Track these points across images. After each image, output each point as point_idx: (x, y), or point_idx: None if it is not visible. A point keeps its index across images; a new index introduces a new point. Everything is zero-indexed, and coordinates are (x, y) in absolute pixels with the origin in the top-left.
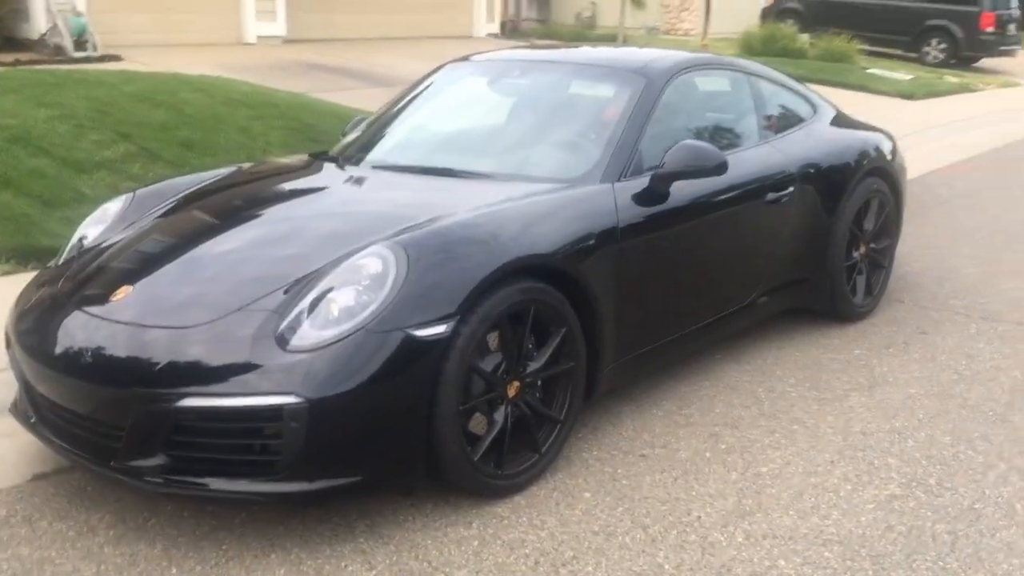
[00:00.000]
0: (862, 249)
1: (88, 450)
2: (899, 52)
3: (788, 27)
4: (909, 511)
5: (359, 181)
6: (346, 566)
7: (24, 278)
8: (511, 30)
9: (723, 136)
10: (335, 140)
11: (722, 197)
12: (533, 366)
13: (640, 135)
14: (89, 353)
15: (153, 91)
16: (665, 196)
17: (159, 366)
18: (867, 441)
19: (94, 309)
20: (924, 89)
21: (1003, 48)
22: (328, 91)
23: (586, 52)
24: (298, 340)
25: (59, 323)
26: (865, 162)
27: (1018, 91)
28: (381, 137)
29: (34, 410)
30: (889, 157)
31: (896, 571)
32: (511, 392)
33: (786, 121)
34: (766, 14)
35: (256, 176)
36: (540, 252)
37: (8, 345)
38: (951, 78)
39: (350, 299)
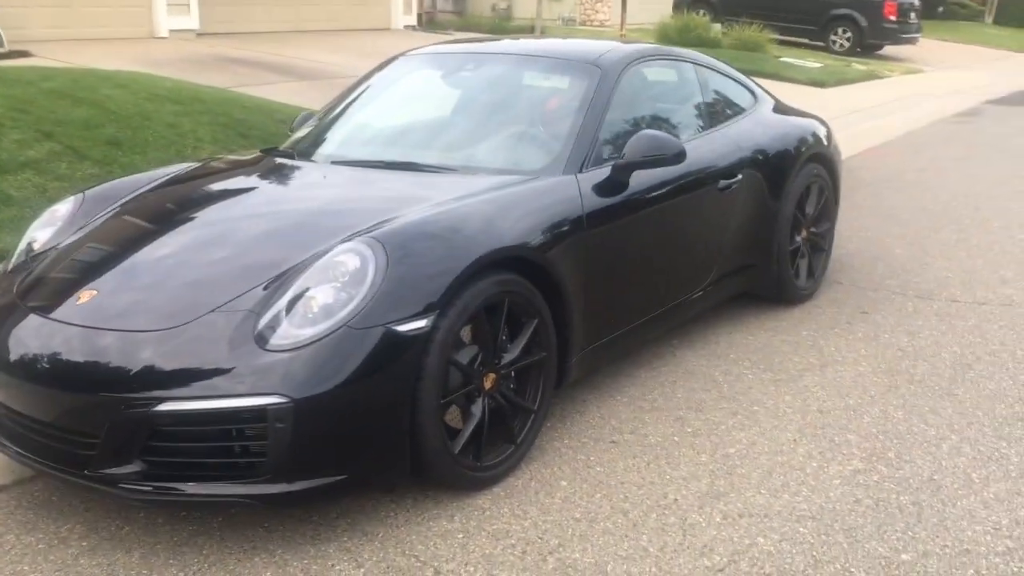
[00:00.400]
0: (804, 233)
1: (57, 459)
2: (807, 41)
3: (700, 17)
4: (873, 484)
5: (320, 176)
6: (333, 565)
7: None
8: (427, 22)
9: (676, 125)
10: (267, 135)
11: (678, 184)
12: (508, 357)
13: (599, 126)
14: (57, 359)
15: (72, 88)
16: (626, 185)
17: (135, 370)
18: (825, 419)
19: (59, 313)
20: (834, 77)
21: (905, 36)
22: (251, 86)
23: (538, 44)
24: (278, 339)
25: (21, 329)
26: (805, 148)
27: (922, 77)
28: (335, 132)
29: None
30: (826, 143)
31: (869, 543)
32: (487, 384)
33: (732, 109)
34: (678, 4)
35: (211, 173)
36: (513, 243)
37: None
38: (858, 66)
39: (329, 296)
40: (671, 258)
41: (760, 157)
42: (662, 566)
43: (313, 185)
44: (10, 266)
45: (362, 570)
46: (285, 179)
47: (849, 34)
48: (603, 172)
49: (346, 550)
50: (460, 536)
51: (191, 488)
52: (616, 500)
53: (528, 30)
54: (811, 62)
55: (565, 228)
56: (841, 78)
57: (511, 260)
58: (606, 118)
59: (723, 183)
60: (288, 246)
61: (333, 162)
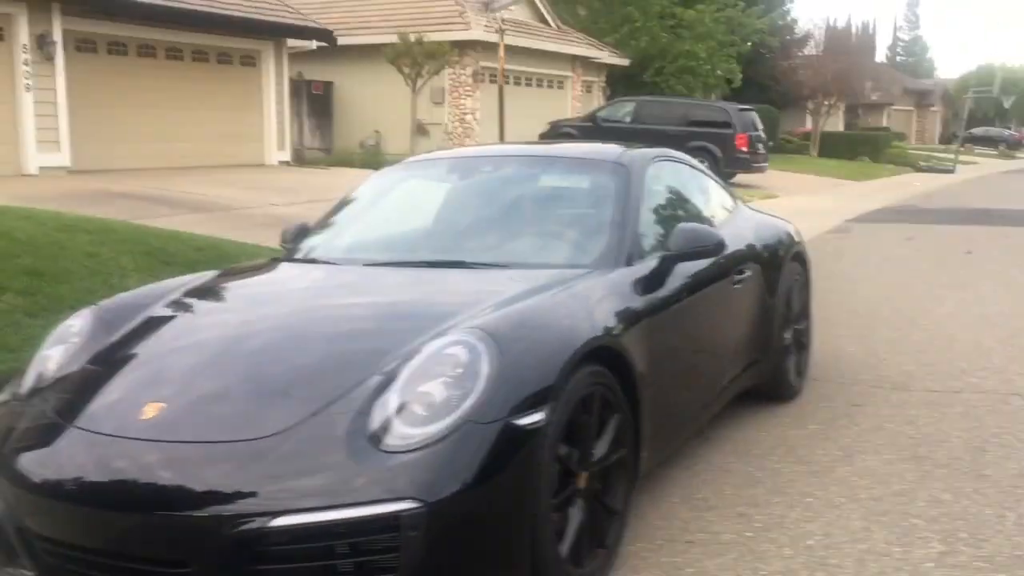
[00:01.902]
0: (790, 331)
1: None
2: None
3: None
4: (966, 565)
5: (363, 276)
6: None
7: None
8: (295, 159)
9: (694, 220)
10: (190, 262)
11: (706, 276)
12: (597, 455)
13: (636, 220)
14: (131, 480)
15: None
16: (670, 277)
17: (238, 484)
18: (882, 506)
19: (123, 430)
20: None
21: (755, 165)
22: (147, 218)
23: (555, 148)
24: (394, 440)
25: (79, 452)
26: (789, 245)
27: (780, 201)
28: (354, 236)
29: (31, 559)
30: (799, 242)
31: None
32: (580, 483)
33: (726, 208)
34: (544, 137)
35: (239, 277)
36: (602, 335)
37: None
38: None
39: (442, 392)
40: (710, 347)
41: (757, 254)
42: None
43: (363, 285)
44: (24, 389)
45: None
46: (327, 281)
47: (706, 163)
48: (649, 264)
49: None
50: None
51: None
52: None
53: None
54: None
55: (631, 319)
56: None
57: (598, 352)
58: (640, 213)
59: (735, 277)
60: (374, 343)
61: (365, 264)
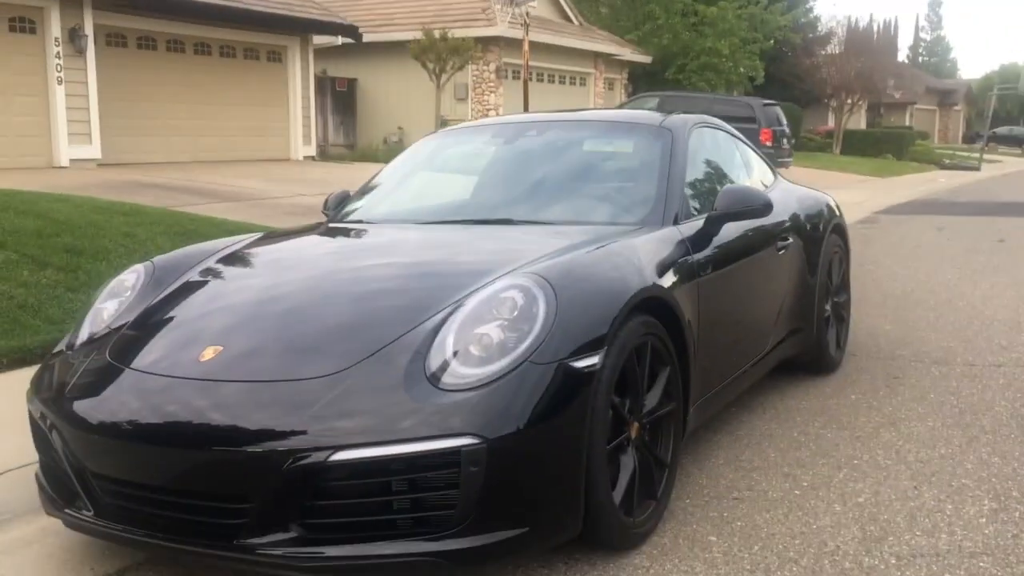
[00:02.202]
0: (830, 303)
1: (192, 533)
2: None
3: None
4: (1020, 520)
5: (414, 234)
6: None
7: None
8: (320, 155)
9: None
10: None
11: (754, 240)
12: (648, 406)
13: (682, 182)
14: (195, 417)
15: (9, 201)
16: (717, 237)
17: (301, 419)
18: (930, 468)
19: (184, 371)
20: None
21: (780, 160)
22: (178, 207)
23: (593, 113)
24: (452, 379)
25: (137, 393)
26: (829, 219)
27: None
28: (399, 199)
29: (91, 501)
30: (839, 215)
31: None
32: (632, 433)
33: (766, 178)
34: None
35: (290, 237)
36: (652, 286)
37: (41, 430)
38: None
39: (498, 334)
40: (754, 311)
41: (799, 224)
42: None
43: (416, 240)
44: (80, 340)
45: None
46: (379, 237)
47: None
48: (696, 224)
49: None
50: None
51: (366, 550)
52: (778, 550)
53: None
54: None
55: (681, 275)
56: None
57: (649, 303)
58: (686, 174)
59: (779, 244)
60: (425, 293)
61: (419, 223)
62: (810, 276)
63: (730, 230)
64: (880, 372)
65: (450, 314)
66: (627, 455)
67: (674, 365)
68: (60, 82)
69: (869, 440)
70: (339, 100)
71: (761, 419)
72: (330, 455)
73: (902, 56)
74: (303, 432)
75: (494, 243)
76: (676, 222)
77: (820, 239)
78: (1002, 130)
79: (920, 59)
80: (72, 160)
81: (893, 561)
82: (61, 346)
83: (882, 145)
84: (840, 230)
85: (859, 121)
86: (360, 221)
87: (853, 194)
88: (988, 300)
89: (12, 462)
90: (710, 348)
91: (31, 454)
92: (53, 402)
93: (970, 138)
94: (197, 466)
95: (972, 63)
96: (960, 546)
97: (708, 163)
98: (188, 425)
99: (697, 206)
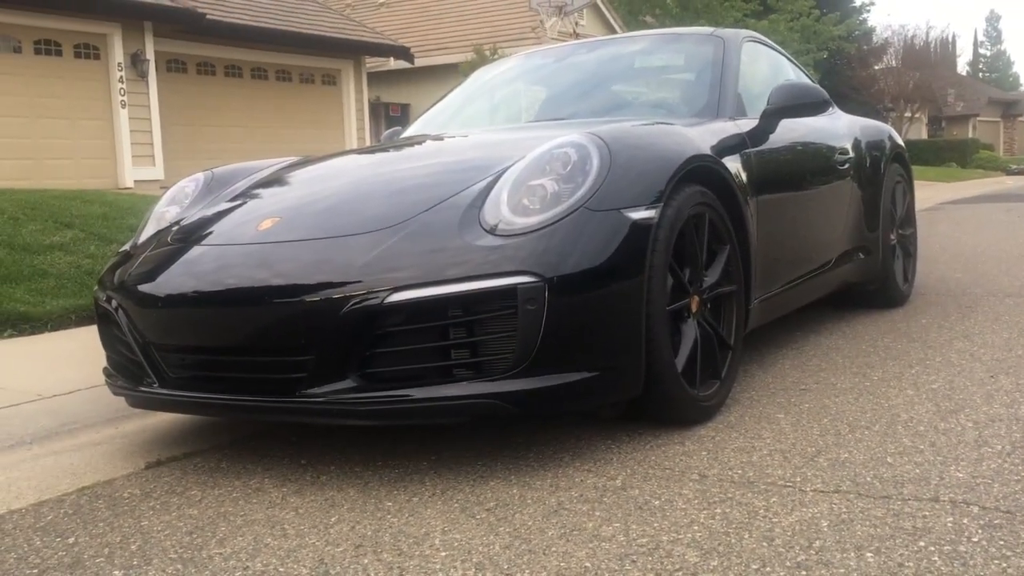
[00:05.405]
0: (895, 234)
1: (255, 390)
2: None
3: None
4: None
5: (468, 138)
6: (575, 493)
7: None
8: None
9: None
10: None
11: (813, 147)
12: (708, 281)
13: (735, 83)
14: (255, 276)
15: (75, 195)
16: (774, 133)
17: (358, 265)
18: (1005, 365)
19: (243, 238)
20: None
21: None
22: None
23: (641, 33)
24: (506, 226)
25: (195, 262)
26: (890, 147)
27: None
28: (459, 114)
29: (156, 374)
30: (900, 145)
31: None
32: (693, 306)
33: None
34: None
35: (346, 154)
36: (708, 155)
37: (108, 319)
38: None
39: (553, 186)
40: (814, 216)
41: (859, 147)
42: (945, 454)
43: (475, 137)
44: (141, 239)
45: (620, 478)
46: (439, 139)
47: None
48: (752, 121)
49: (589, 476)
50: (709, 447)
51: (423, 392)
52: (850, 420)
53: None
54: None
55: (739, 159)
56: None
57: (703, 172)
58: (738, 79)
59: (839, 156)
60: (486, 159)
61: (465, 133)
62: (873, 198)
63: (788, 134)
64: (951, 305)
65: (504, 171)
66: (688, 326)
67: (733, 246)
68: (124, 105)
69: (940, 348)
70: (393, 125)
71: (828, 338)
72: (387, 296)
73: (961, 70)
74: (358, 281)
75: (544, 135)
76: (732, 119)
77: (882, 164)
78: None
79: (980, 74)
80: (136, 181)
81: (970, 425)
82: (126, 247)
83: (945, 154)
84: (902, 159)
85: (920, 132)
86: (412, 136)
87: (918, 193)
88: None
89: (82, 385)
90: (770, 242)
91: (98, 378)
92: (120, 287)
93: None
94: (258, 323)
95: None
96: None
97: (762, 71)
98: (248, 284)
99: (752, 109)
